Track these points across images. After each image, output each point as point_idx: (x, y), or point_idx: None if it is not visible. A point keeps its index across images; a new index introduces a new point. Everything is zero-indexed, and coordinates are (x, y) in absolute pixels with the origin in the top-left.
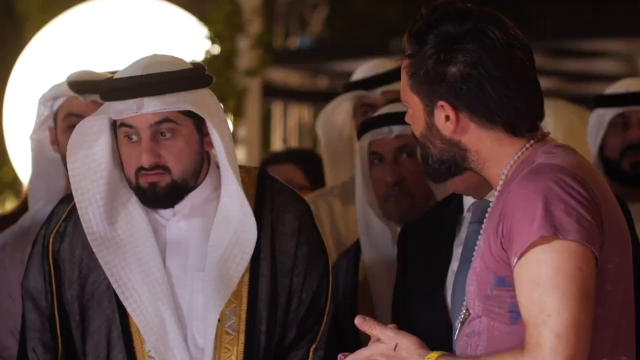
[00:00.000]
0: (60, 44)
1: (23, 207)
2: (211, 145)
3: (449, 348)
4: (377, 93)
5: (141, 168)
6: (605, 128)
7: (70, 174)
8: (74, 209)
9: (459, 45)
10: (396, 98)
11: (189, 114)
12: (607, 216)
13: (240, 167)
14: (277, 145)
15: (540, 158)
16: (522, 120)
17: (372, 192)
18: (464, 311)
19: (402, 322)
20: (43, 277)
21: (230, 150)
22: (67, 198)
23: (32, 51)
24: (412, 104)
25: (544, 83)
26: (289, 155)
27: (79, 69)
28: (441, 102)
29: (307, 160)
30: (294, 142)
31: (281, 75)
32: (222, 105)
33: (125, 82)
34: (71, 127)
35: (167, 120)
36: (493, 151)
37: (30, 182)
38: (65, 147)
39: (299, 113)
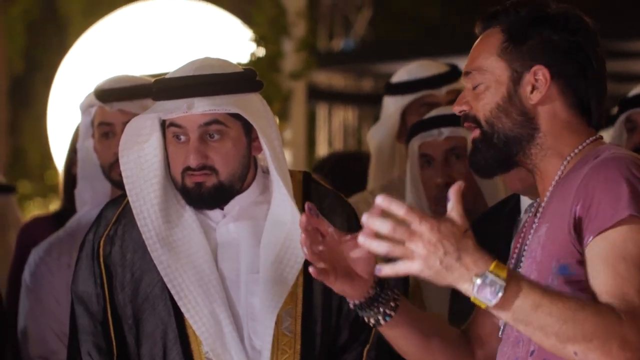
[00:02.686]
0: (104, 47)
1: (64, 210)
2: (259, 149)
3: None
4: (441, 92)
5: (188, 168)
6: (617, 131)
7: (123, 174)
8: (123, 212)
9: (561, 17)
10: (439, 103)
11: (237, 117)
12: None
13: None
14: (322, 147)
15: (607, 152)
16: (598, 112)
17: (423, 194)
18: None
19: (459, 325)
20: (94, 281)
21: (279, 156)
22: (115, 201)
23: (76, 55)
24: (492, 74)
25: None
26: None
27: (113, 75)
28: (538, 67)
29: (345, 168)
30: (338, 145)
31: (325, 78)
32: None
33: (176, 81)
34: (104, 136)
35: (216, 121)
36: (560, 137)
37: (77, 186)
38: (102, 154)
39: (343, 115)
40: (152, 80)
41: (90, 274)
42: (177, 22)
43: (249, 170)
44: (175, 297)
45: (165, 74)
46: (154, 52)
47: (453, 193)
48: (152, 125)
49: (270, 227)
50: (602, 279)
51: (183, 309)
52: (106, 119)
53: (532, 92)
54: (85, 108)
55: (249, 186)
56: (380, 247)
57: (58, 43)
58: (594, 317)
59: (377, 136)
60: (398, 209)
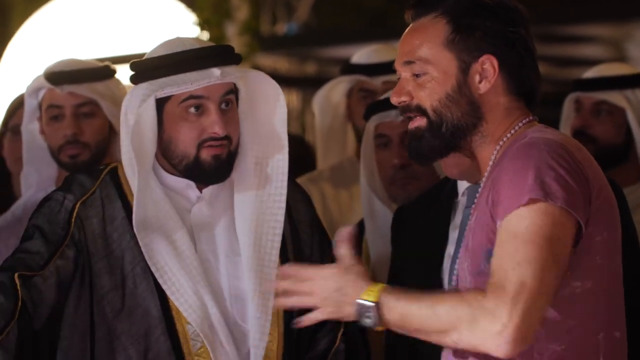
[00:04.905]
0: (47, 33)
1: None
2: None
3: None
4: (378, 81)
5: (208, 139)
6: (566, 111)
7: (123, 150)
8: (102, 185)
9: (500, 8)
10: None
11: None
12: (596, 191)
13: None
14: None
15: (532, 134)
16: (532, 93)
17: (377, 175)
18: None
19: None
20: (52, 230)
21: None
22: (90, 172)
23: (19, 42)
24: (438, 65)
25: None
26: None
27: (61, 59)
28: (487, 56)
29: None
30: None
31: (269, 62)
32: None
33: (194, 53)
34: (53, 119)
35: (231, 91)
36: (498, 121)
37: (23, 169)
38: (50, 137)
39: (287, 99)
40: (103, 63)
41: (53, 222)
42: (120, 7)
43: None
44: (160, 280)
45: (107, 58)
46: (98, 38)
47: (341, 238)
48: (148, 104)
49: (240, 210)
50: (494, 255)
51: (168, 292)
52: (56, 101)
53: (480, 81)
54: (32, 91)
55: None
56: (291, 302)
57: (1, 31)
58: (453, 306)
59: (327, 117)
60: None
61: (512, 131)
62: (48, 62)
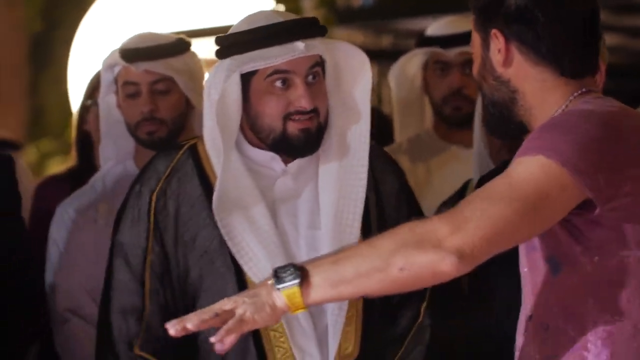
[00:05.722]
0: (124, 4)
1: (79, 167)
2: None
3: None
4: (452, 52)
5: (294, 113)
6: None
7: (207, 124)
8: (177, 166)
9: None
10: (471, 59)
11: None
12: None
13: None
14: None
15: (581, 106)
16: (570, 63)
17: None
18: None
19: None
20: (137, 232)
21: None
22: (166, 154)
23: (96, 12)
24: (475, 43)
25: (608, 39)
26: None
27: (136, 33)
28: (494, 31)
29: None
30: None
31: (345, 35)
32: None
33: (278, 27)
34: (129, 96)
35: (318, 64)
36: (538, 95)
37: (101, 142)
38: (127, 113)
39: None
40: (178, 37)
41: (135, 225)
42: None
43: None
44: (234, 253)
45: (188, 31)
46: (175, 10)
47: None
48: (232, 80)
49: (325, 178)
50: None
51: (244, 266)
52: (131, 78)
53: (498, 53)
54: (108, 66)
55: None
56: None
57: (77, 1)
58: (392, 236)
59: (403, 90)
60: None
61: (564, 106)
62: (124, 35)
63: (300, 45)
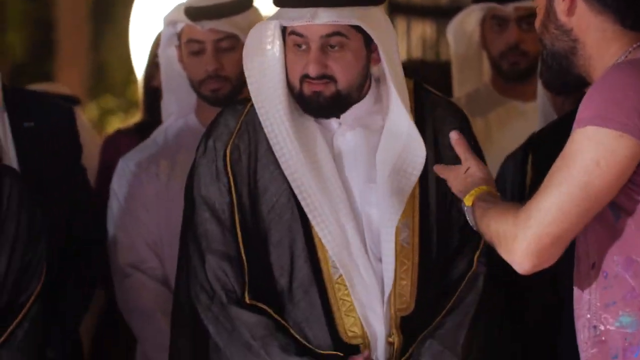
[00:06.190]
0: None
1: (146, 122)
2: (377, 61)
3: None
4: (509, 7)
5: (306, 76)
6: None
7: (248, 81)
8: (246, 120)
9: None
10: (528, 14)
11: (359, 29)
12: None
13: None
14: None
15: (635, 56)
16: (633, 14)
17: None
18: None
19: None
20: (222, 189)
21: (397, 69)
22: (234, 108)
23: None
24: None
25: None
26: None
27: None
28: None
29: (428, 71)
30: (417, 58)
31: None
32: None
33: None
34: (194, 53)
35: (337, 33)
36: (598, 45)
37: (163, 98)
38: (191, 70)
39: (422, 29)
40: None
41: (214, 180)
42: None
43: (366, 81)
44: (303, 205)
45: None
46: None
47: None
48: (274, 32)
49: (387, 137)
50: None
51: (311, 218)
52: (196, 36)
53: (562, 3)
54: (170, 22)
55: (365, 96)
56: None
57: None
58: (498, 220)
59: (461, 46)
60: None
61: (623, 57)
62: None
63: (311, 12)
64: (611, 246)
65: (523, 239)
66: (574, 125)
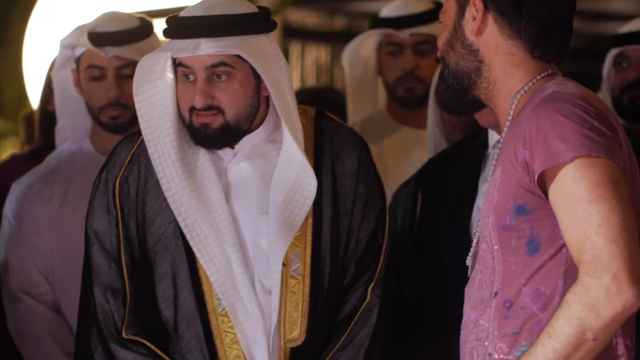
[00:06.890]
0: None
1: (42, 147)
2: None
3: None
4: (405, 33)
5: (194, 108)
6: (607, 67)
7: (138, 113)
8: (138, 152)
9: None
10: (424, 40)
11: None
12: (623, 141)
13: (298, 107)
14: (295, 85)
15: (553, 87)
16: (543, 45)
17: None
18: (474, 246)
19: (429, 257)
20: (109, 221)
21: (286, 98)
22: (129, 139)
23: None
24: (448, 11)
25: None
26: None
27: (102, 14)
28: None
29: (322, 99)
30: (311, 82)
31: (299, 16)
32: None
33: (184, 21)
34: (94, 79)
35: (222, 63)
36: (504, 68)
37: (58, 123)
38: (90, 96)
39: (316, 53)
40: (142, 18)
41: (105, 213)
42: None
43: (258, 110)
44: (188, 237)
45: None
46: None
47: None
48: (165, 63)
49: (280, 167)
50: (567, 227)
51: (195, 250)
52: (98, 62)
53: (472, 21)
54: (68, 45)
55: (259, 125)
56: None
57: None
58: (565, 318)
59: (356, 71)
60: None
61: (530, 84)
62: (81, 12)
63: (198, 43)
64: (520, 278)
65: (615, 270)
66: (553, 159)
